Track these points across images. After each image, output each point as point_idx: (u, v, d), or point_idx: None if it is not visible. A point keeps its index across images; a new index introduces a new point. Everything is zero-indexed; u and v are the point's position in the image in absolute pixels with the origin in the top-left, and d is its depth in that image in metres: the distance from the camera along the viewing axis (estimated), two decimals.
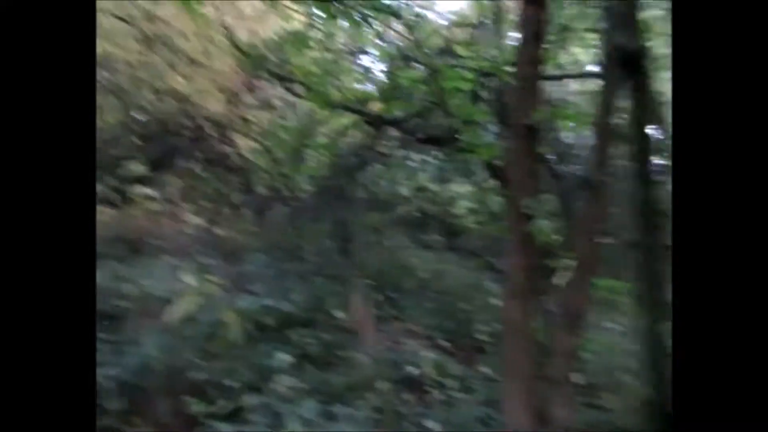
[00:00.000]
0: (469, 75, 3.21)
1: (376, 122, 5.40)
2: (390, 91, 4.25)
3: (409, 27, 3.55)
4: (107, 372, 2.38)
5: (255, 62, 6.02)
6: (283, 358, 2.62)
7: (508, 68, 2.97)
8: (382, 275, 4.82)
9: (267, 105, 7.47)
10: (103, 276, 3.76)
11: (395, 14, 3.17)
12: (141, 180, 7.98)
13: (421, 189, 9.26)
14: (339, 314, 3.12)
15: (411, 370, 2.88)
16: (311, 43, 5.79)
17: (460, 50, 4.34)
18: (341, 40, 5.99)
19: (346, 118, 6.67)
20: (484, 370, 3.07)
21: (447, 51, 4.61)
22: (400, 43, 4.04)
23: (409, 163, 8.31)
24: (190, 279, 2.06)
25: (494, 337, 3.51)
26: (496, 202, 9.16)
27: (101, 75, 7.77)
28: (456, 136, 4.82)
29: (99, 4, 6.72)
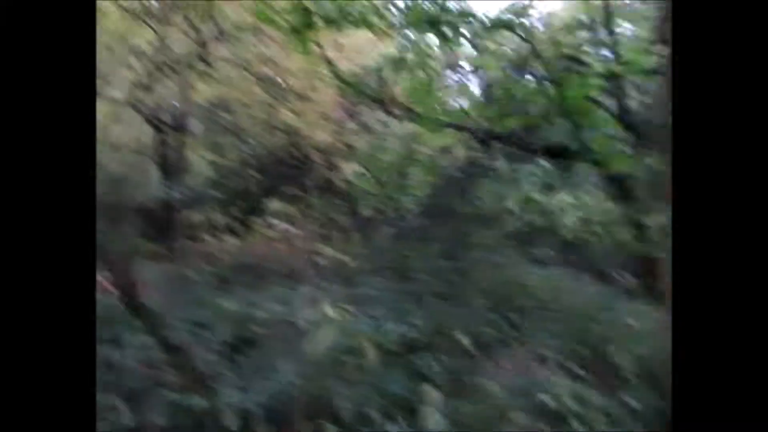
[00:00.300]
0: (596, 81, 3.00)
1: (485, 137, 5.30)
2: (504, 104, 4.14)
3: (523, 37, 3.43)
4: (253, 398, 2.53)
5: (356, 90, 6.24)
6: (416, 385, 2.61)
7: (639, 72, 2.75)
8: (497, 294, 4.64)
9: (368, 129, 7.69)
10: (236, 303, 4.05)
11: (508, 26, 3.07)
12: (259, 210, 8.57)
13: (528, 201, 8.95)
14: (461, 337, 3.05)
15: (545, 399, 2.70)
16: (411, 65, 5.90)
17: (582, 55, 4.10)
18: (440, 58, 6.01)
19: (449, 136, 6.65)
20: (629, 400, 2.79)
21: (568, 57, 4.39)
22: (507, 53, 3.93)
23: (516, 175, 8.06)
24: (325, 308, 2.13)
25: (638, 362, 3.19)
26: (611, 212, 8.58)
27: (222, 116, 8.59)
28: (570, 147, 4.55)
29: (219, 52, 7.52)
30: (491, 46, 4.15)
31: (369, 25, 3.30)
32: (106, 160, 7.60)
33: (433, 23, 2.99)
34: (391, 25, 3.31)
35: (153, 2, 6.54)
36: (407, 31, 5.73)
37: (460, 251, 5.78)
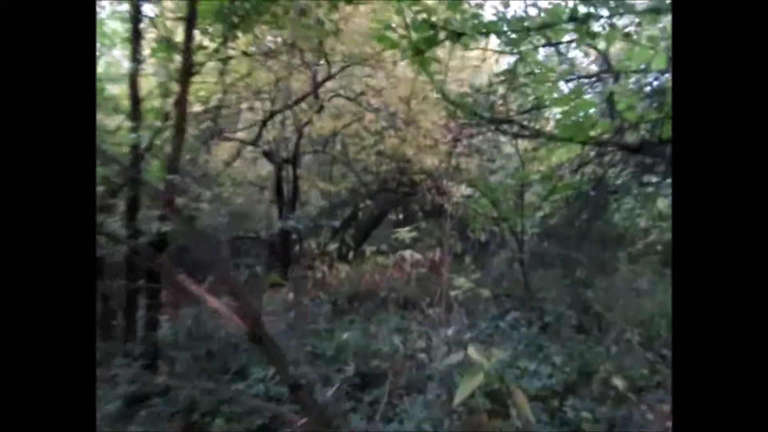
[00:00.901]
0: None
1: (623, 150, 4.76)
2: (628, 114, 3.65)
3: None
4: None
5: (466, 110, 6.01)
6: None
7: None
8: (645, 326, 4.03)
9: (479, 150, 7.40)
10: (354, 335, 3.96)
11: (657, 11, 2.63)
12: (369, 236, 8.63)
13: (662, 217, 7.94)
14: (615, 380, 2.59)
15: None
16: (526, 79, 5.56)
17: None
18: (556, 69, 5.59)
19: (571, 151, 6.13)
20: None
21: None
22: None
23: (648, 189, 7.21)
24: (468, 349, 1.86)
25: None
26: None
27: (334, 149, 8.89)
28: None
29: (330, 85, 7.83)
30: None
31: (499, 34, 3.04)
32: (228, 194, 8.17)
33: (577, 19, 2.61)
34: (521, 30, 3.00)
35: (269, 44, 6.96)
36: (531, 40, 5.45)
37: (593, 276, 5.19)
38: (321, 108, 7.58)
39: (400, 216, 8.92)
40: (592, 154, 6.03)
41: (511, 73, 5.51)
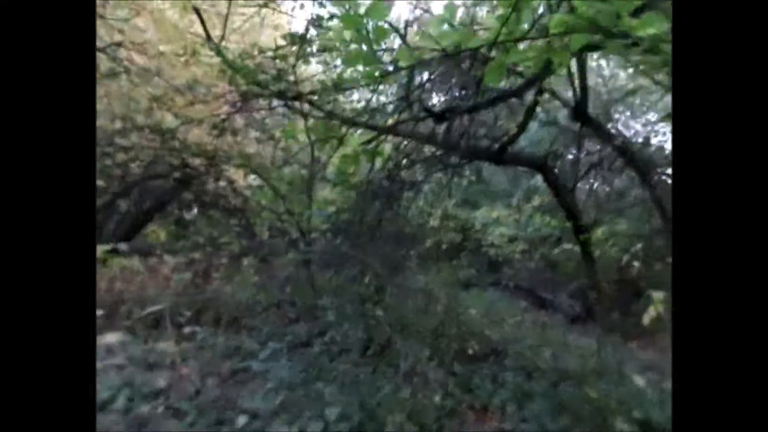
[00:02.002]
0: None
1: (419, 140, 4.23)
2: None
3: None
4: None
5: (249, 78, 4.89)
6: None
7: None
8: (439, 339, 3.54)
9: (266, 131, 6.33)
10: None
11: None
12: (119, 232, 6.77)
13: (449, 217, 8.06)
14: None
15: None
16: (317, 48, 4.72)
17: None
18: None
19: (363, 140, 5.52)
20: None
21: None
22: None
23: (431, 186, 7.11)
24: None
25: None
26: (541, 226, 7.98)
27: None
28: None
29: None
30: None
31: None
32: None
33: None
34: None
35: None
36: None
37: (384, 282, 4.60)
38: None
39: (166, 207, 7.25)
40: (389, 146, 5.57)
41: (301, 39, 4.62)
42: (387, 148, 5.22)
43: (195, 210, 6.09)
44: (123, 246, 5.13)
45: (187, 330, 4.44)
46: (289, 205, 5.42)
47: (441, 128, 4.35)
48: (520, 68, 3.70)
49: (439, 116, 3.82)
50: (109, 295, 4.97)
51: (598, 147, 5.28)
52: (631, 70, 5.32)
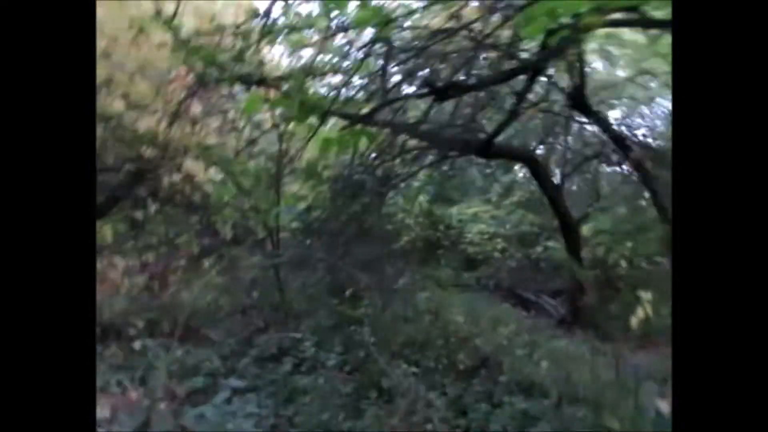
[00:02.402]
0: None
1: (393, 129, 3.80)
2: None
3: None
4: None
5: (207, 59, 4.35)
6: None
7: None
8: (426, 350, 3.16)
9: (228, 120, 5.78)
10: None
11: None
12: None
13: (424, 213, 7.66)
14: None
15: None
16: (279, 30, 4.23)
17: None
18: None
19: (336, 130, 5.05)
20: None
21: None
22: None
23: (408, 182, 6.71)
24: None
25: None
26: (522, 222, 7.70)
27: None
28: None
29: None
30: None
31: None
32: None
33: None
34: None
35: None
36: None
37: (360, 286, 4.18)
38: None
39: (116, 202, 6.60)
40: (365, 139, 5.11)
41: (266, 15, 4.12)
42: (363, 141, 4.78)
43: (152, 207, 5.49)
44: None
45: (137, 344, 3.91)
46: (254, 202, 4.92)
47: (433, 111, 3.92)
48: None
49: (441, 92, 3.37)
50: None
51: (593, 139, 5.01)
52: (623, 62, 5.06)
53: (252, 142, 5.56)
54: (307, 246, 4.77)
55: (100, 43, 5.31)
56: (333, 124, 4.83)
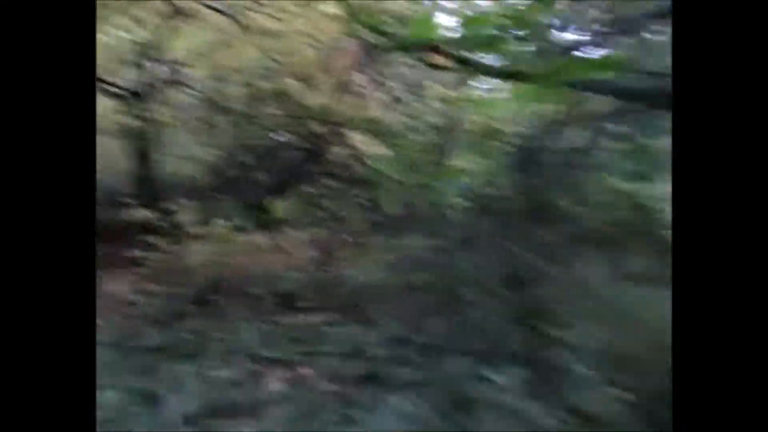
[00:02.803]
0: None
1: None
2: None
3: None
4: None
5: (375, 27, 4.06)
6: None
7: None
8: (633, 368, 2.47)
9: (393, 89, 5.51)
10: None
11: None
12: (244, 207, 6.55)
13: (613, 191, 6.58)
14: None
15: None
16: None
17: None
18: None
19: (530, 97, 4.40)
20: None
21: None
22: None
23: (597, 154, 5.72)
24: None
25: None
26: None
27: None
28: None
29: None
30: None
31: None
32: None
33: None
34: None
35: None
36: None
37: (540, 273, 3.56)
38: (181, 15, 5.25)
39: (292, 181, 6.91)
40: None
41: None
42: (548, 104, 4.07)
43: (321, 182, 5.58)
44: (246, 222, 4.75)
45: (309, 318, 3.91)
46: (421, 177, 4.59)
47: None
48: None
49: None
50: (234, 273, 4.64)
51: None
52: None
53: (417, 113, 5.23)
54: (478, 226, 4.27)
55: (268, 23, 5.44)
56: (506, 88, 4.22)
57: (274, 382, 3.02)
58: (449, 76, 4.38)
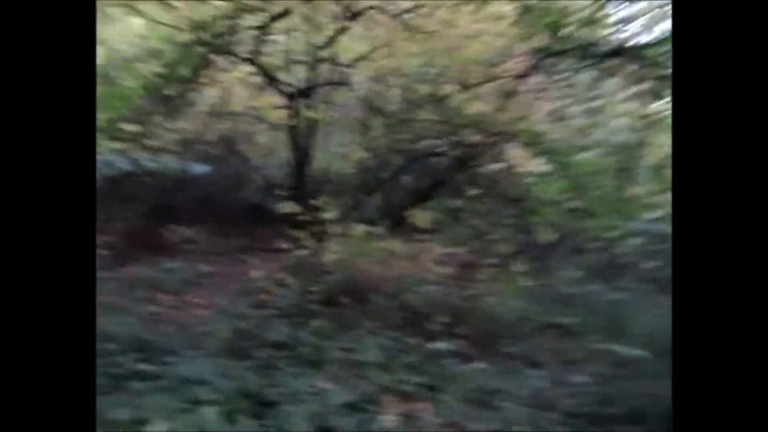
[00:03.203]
0: None
1: None
2: None
3: None
4: None
5: (548, 27, 3.56)
6: None
7: None
8: None
9: (562, 104, 4.91)
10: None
11: None
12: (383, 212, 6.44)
13: None
14: None
15: None
16: None
17: None
18: None
19: None
20: None
21: None
22: None
23: None
24: None
25: None
26: None
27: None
28: None
29: None
30: None
31: None
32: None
33: None
34: None
35: None
36: None
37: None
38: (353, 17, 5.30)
39: (446, 193, 6.62)
40: None
41: None
42: None
43: (469, 195, 5.20)
44: (380, 228, 4.58)
45: (438, 344, 3.55)
46: (587, 202, 3.94)
47: None
48: None
49: None
50: (366, 277, 4.50)
51: None
52: None
53: (589, 128, 4.54)
54: (653, 272, 3.50)
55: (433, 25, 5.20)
56: None
57: (388, 414, 2.74)
58: (637, 87, 3.67)
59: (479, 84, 4.96)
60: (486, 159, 5.90)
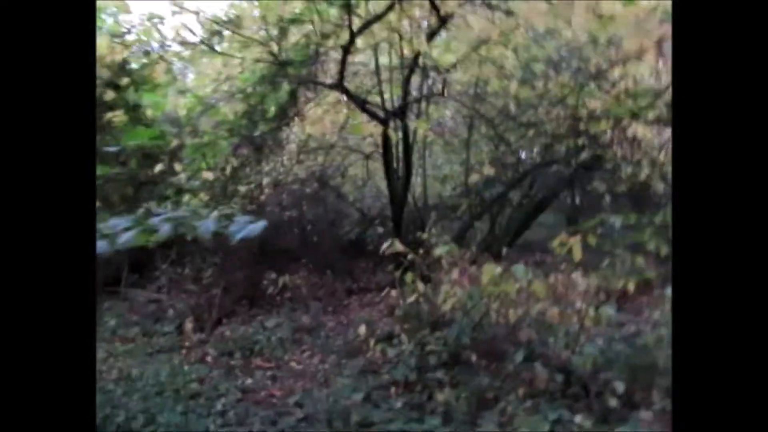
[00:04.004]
0: None
1: None
2: None
3: None
4: None
5: None
6: None
7: None
8: None
9: None
10: None
11: None
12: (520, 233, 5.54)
13: None
14: None
15: None
16: None
17: None
18: None
19: None
20: None
21: None
22: None
23: None
24: None
25: None
26: None
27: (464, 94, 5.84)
28: None
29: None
30: None
31: None
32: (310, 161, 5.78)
33: None
34: None
35: None
36: None
37: None
38: (444, 21, 4.59)
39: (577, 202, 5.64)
40: None
41: None
42: None
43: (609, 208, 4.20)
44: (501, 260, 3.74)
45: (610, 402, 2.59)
46: None
47: None
48: None
49: None
50: (499, 326, 3.58)
51: None
52: None
53: None
54: None
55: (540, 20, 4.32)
56: None
57: None
58: None
59: (607, 78, 4.01)
60: (620, 161, 4.84)
